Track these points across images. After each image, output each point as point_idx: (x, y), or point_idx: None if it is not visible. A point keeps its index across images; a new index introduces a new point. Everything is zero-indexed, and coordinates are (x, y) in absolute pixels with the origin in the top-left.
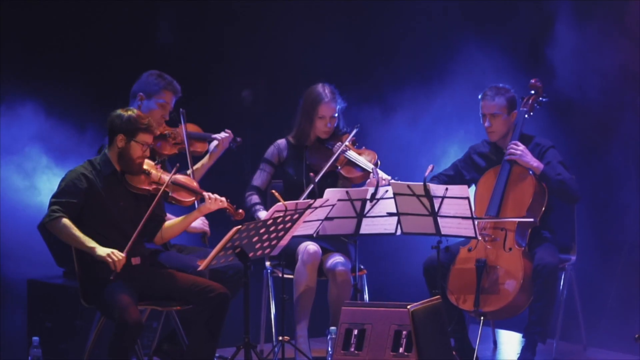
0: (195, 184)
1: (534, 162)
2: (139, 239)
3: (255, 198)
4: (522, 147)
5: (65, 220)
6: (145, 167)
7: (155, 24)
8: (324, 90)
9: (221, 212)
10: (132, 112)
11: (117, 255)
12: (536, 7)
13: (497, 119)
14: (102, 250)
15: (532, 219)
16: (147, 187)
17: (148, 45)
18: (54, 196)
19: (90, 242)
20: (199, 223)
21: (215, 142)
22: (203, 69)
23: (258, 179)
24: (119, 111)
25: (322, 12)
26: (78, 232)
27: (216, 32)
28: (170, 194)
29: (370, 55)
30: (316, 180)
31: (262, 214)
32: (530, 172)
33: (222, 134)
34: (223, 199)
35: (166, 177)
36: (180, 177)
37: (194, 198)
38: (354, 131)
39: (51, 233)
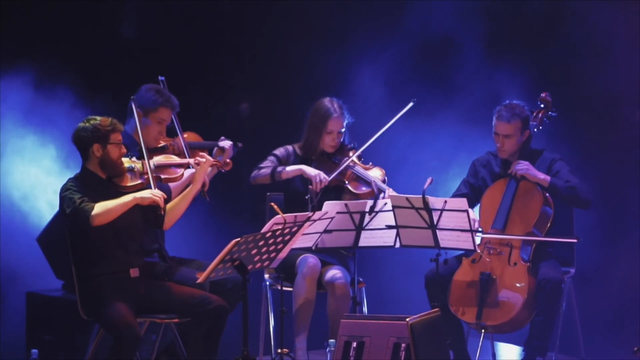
0: (175, 157)
1: (541, 175)
2: (140, 246)
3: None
4: (526, 163)
5: (97, 205)
6: (125, 165)
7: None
8: (332, 105)
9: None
10: (92, 120)
11: (157, 193)
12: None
13: (510, 140)
14: (145, 194)
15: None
16: (138, 182)
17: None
18: (71, 202)
19: (128, 197)
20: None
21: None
22: (202, 80)
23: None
24: (81, 125)
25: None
26: (112, 201)
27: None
28: (162, 178)
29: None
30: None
31: (290, 167)
32: (539, 187)
33: (225, 142)
34: (206, 156)
35: (146, 164)
36: (160, 158)
37: (182, 170)
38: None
39: (51, 245)
